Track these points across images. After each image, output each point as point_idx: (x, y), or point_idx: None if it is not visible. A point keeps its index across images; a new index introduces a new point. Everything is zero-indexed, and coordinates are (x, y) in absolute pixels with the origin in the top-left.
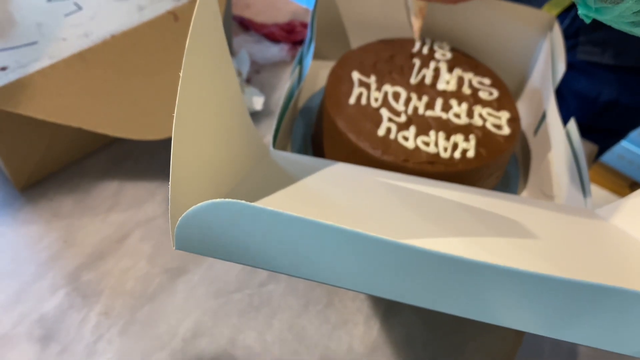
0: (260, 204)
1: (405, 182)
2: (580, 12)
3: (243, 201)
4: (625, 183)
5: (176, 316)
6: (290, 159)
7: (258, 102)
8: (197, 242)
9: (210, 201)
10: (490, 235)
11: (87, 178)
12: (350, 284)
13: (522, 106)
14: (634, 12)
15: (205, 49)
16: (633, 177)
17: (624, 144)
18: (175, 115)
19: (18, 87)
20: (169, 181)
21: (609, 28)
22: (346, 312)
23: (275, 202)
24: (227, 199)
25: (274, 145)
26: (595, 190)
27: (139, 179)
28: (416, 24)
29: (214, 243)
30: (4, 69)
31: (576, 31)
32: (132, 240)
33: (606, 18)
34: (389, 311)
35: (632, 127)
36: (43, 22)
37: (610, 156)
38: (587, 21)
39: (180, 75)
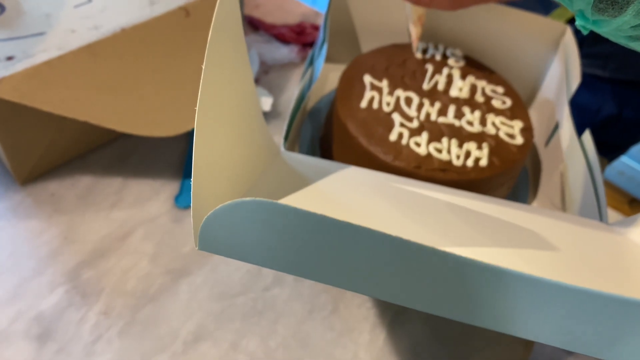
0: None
1: (419, 188)
2: (578, 23)
3: (273, 200)
4: (624, 199)
5: (178, 318)
6: (301, 160)
7: (266, 103)
8: (221, 242)
9: (238, 200)
10: (507, 245)
11: (90, 173)
12: (376, 291)
13: (532, 116)
14: (632, 27)
15: (225, 47)
16: (633, 193)
17: (624, 159)
18: (196, 115)
19: (24, 77)
20: (174, 179)
21: (611, 42)
22: (352, 319)
23: (293, 205)
24: (255, 198)
25: (285, 146)
26: None
27: (144, 176)
28: (414, 32)
29: (238, 243)
30: (10, 58)
31: (579, 44)
32: (135, 239)
33: (603, 31)
34: (395, 320)
35: (634, 141)
36: (52, 13)
37: (610, 172)
38: (585, 32)
39: (202, 73)
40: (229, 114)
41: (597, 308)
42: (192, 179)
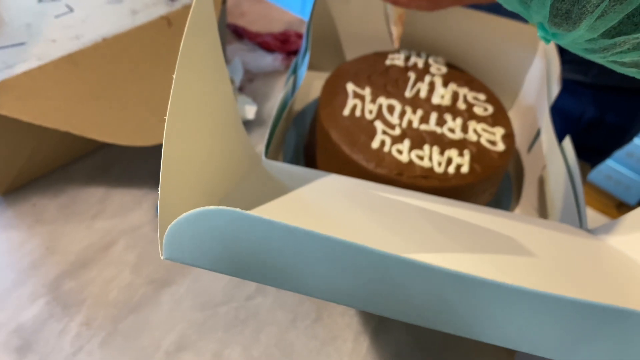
0: (252, 213)
1: (399, 196)
2: (539, 34)
3: (237, 209)
4: (612, 203)
5: (160, 329)
6: (282, 168)
7: (250, 111)
8: (187, 251)
9: (202, 208)
10: (485, 252)
11: (72, 183)
12: (347, 300)
13: (514, 122)
14: (586, 40)
15: (199, 54)
16: (620, 197)
17: (610, 163)
18: (166, 120)
19: (4, 87)
20: (157, 189)
21: None
22: (335, 328)
23: (268, 212)
24: (220, 207)
25: (267, 154)
26: None
27: (126, 186)
28: (395, 31)
29: (204, 253)
30: None
31: (560, 50)
32: (117, 249)
33: (562, 43)
34: (379, 328)
35: (618, 146)
36: (32, 23)
37: (597, 176)
38: (547, 43)
39: (173, 79)
40: (202, 121)
41: (560, 312)
42: (159, 187)
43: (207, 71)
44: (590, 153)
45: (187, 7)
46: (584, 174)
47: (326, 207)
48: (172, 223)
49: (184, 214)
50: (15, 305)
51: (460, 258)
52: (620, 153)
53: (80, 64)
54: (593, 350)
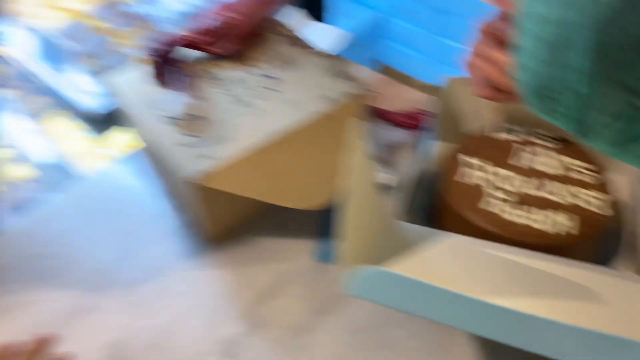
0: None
1: (510, 254)
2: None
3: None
4: None
5: (320, 348)
6: (413, 230)
7: (387, 179)
8: (365, 292)
9: (374, 268)
10: (570, 300)
11: (259, 235)
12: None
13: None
14: None
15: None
16: None
17: None
18: (348, 209)
19: (216, 173)
20: (316, 243)
21: None
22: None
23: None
24: (389, 270)
25: (402, 217)
26: None
27: (296, 237)
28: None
29: (376, 294)
30: (208, 158)
31: None
32: (288, 285)
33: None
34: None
35: None
36: (229, 121)
37: None
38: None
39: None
40: (367, 208)
41: (587, 339)
42: (340, 244)
43: (366, 178)
44: None
45: (344, 103)
46: None
47: (444, 263)
48: (353, 272)
49: (362, 268)
50: (219, 323)
51: (546, 304)
52: None
53: (265, 151)
54: None
